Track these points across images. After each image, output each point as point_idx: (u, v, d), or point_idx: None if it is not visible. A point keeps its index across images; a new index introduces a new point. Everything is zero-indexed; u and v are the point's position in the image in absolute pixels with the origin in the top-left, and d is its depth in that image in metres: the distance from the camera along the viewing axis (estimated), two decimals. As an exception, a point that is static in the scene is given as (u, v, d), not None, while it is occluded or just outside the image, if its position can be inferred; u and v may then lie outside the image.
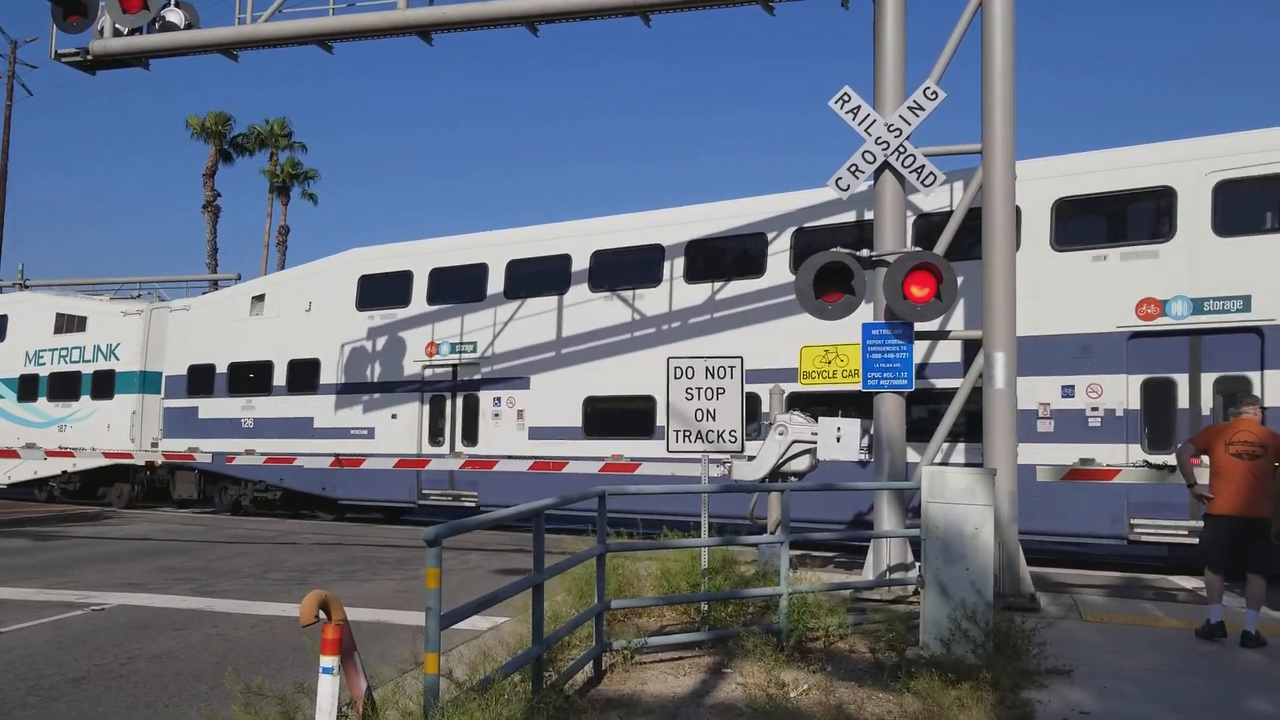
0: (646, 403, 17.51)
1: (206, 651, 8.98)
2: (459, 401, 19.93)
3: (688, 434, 9.93)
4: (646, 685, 7.47)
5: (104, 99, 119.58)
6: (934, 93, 11.08)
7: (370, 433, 20.79)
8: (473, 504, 19.42)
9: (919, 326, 11.24)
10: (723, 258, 17.76)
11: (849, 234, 15.83)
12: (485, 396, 19.52)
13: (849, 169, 11.24)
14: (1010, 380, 10.97)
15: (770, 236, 17.01)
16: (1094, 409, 14.32)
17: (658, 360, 15.75)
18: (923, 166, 11.02)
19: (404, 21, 14.28)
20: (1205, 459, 9.44)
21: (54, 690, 7.61)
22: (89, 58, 15.53)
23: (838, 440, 11.46)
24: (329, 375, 21.44)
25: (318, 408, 21.44)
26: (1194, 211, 13.97)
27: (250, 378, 22.62)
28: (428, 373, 20.25)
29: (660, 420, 17.03)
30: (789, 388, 15.50)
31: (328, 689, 4.71)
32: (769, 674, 7.46)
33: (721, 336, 16.88)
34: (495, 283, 19.59)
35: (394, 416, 20.48)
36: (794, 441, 11.82)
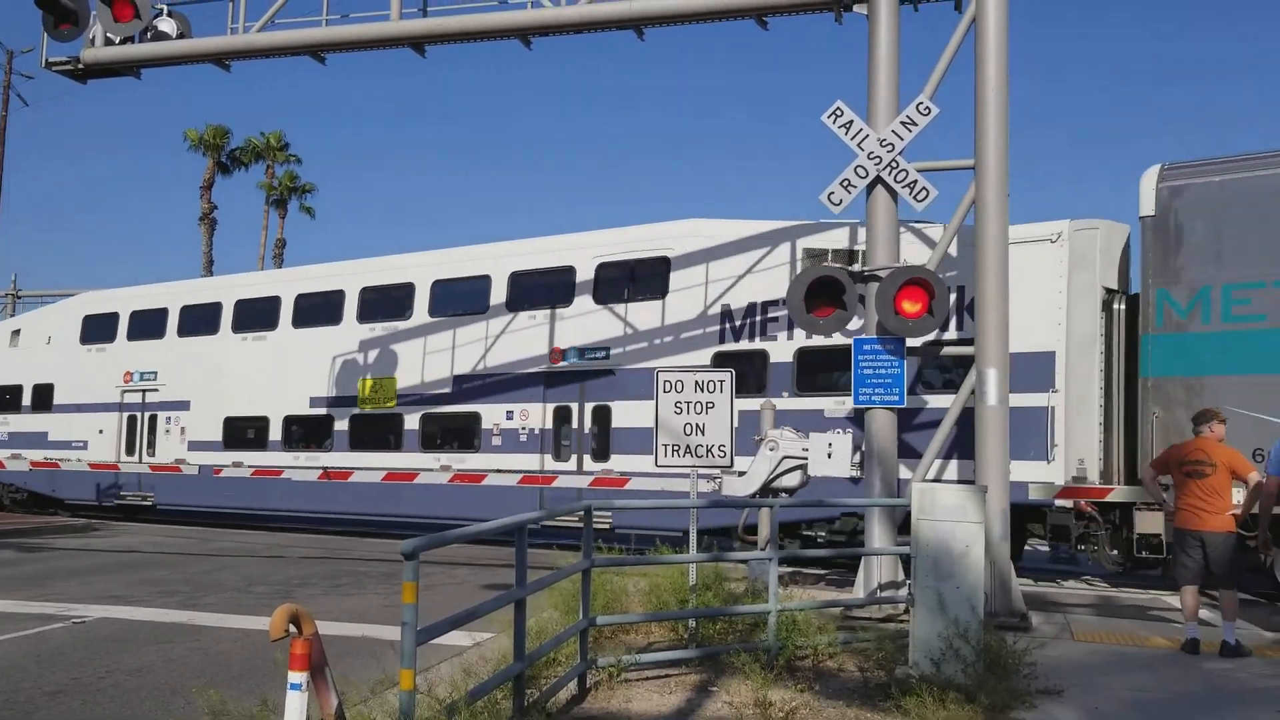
0: (264, 421, 22.19)
1: (186, 665, 8.85)
2: (145, 419, 24.26)
3: (676, 448, 9.83)
4: (631, 703, 7.35)
5: (99, 109, 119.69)
6: (927, 108, 11.04)
7: (85, 444, 24.95)
8: (150, 503, 24.03)
9: (910, 341, 11.17)
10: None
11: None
12: (161, 415, 23.99)
13: (841, 184, 11.19)
14: (1003, 397, 10.89)
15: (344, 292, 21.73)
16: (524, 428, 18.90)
17: (271, 388, 21.86)
18: (915, 182, 10.97)
19: (396, 33, 14.24)
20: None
21: (30, 703, 7.49)
22: (80, 66, 15.46)
23: (829, 456, 11.37)
24: (60, 397, 25.58)
25: (51, 424, 25.65)
26: (583, 285, 18.54)
27: (7, 399, 26.67)
28: (125, 396, 24.56)
29: (274, 434, 21.97)
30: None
31: (295, 705, 4.60)
32: (756, 693, 7.35)
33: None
34: (172, 324, 24.12)
35: (101, 431, 24.69)
36: (785, 457, 11.72)
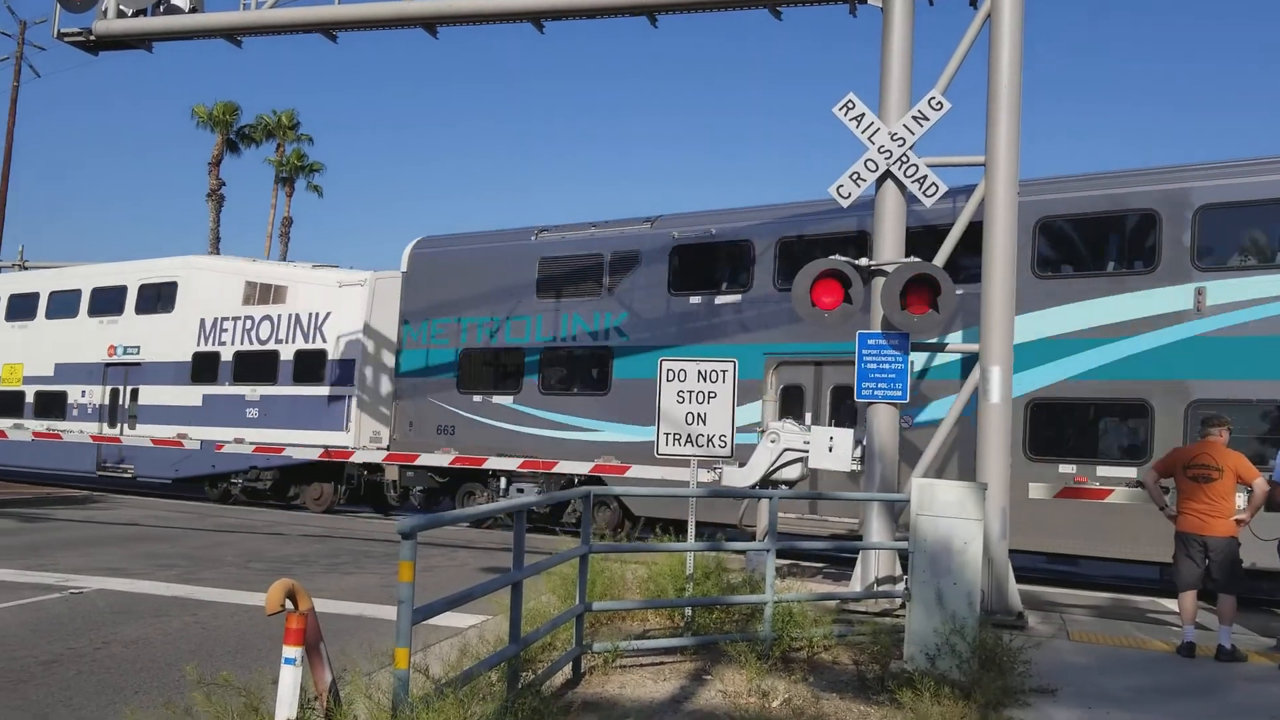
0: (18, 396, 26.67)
1: (183, 639, 8.87)
2: None
3: (678, 438, 9.82)
4: (625, 689, 7.36)
5: (111, 83, 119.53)
6: (939, 103, 10.99)
7: None
8: None
9: (915, 338, 11.14)
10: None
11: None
12: None
13: (851, 177, 11.15)
14: (1006, 395, 10.87)
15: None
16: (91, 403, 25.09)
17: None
18: (925, 177, 10.93)
19: (409, 13, 14.20)
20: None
21: (24, 672, 7.51)
22: (92, 38, 15.45)
23: (829, 449, 11.35)
24: None
25: None
26: (130, 300, 24.88)
27: None
28: None
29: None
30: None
31: (289, 680, 4.60)
32: (750, 682, 7.36)
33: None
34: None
35: None
36: (785, 449, 11.70)
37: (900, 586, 10.60)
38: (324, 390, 21.58)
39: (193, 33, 15.33)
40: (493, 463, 18.84)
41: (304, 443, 21.60)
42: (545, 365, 19.07)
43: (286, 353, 22.27)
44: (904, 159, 10.99)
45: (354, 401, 21.20)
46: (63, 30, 15.67)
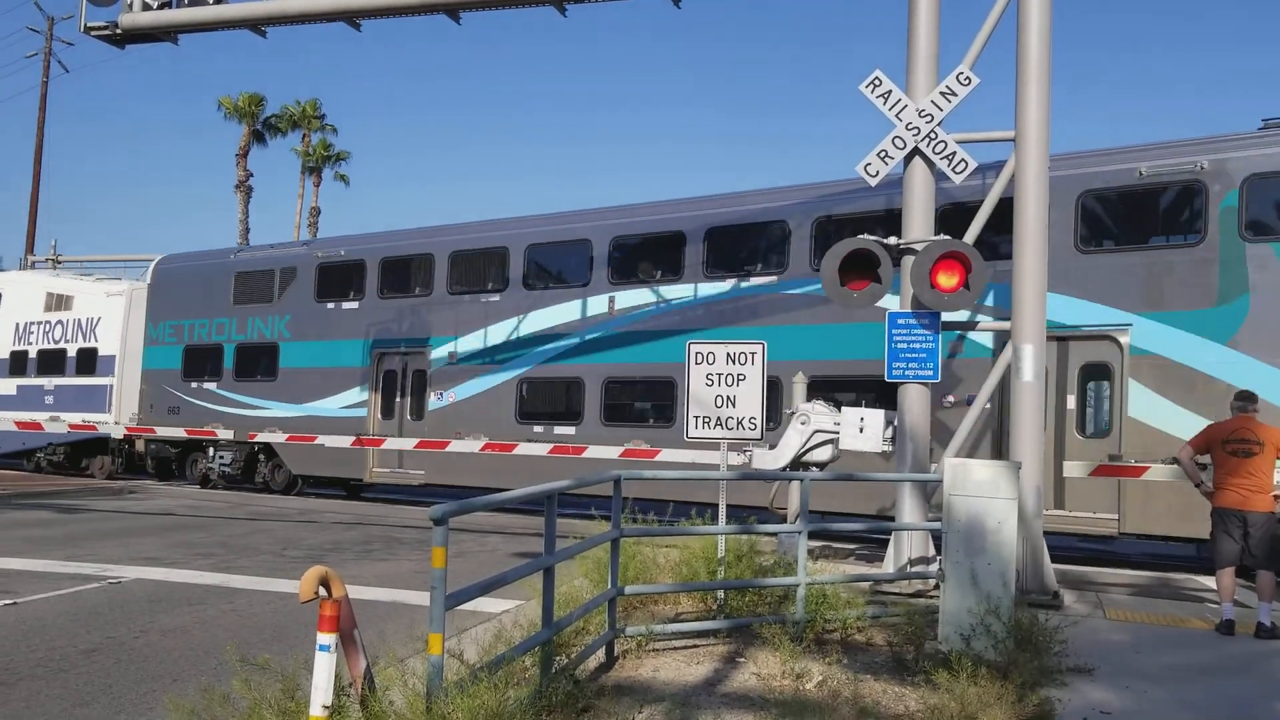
0: None
1: (220, 627, 8.95)
2: None
3: (707, 420, 9.79)
4: (659, 673, 7.36)
5: (139, 76, 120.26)
6: (967, 78, 10.85)
7: None
8: None
9: (946, 316, 11.05)
10: None
11: None
12: None
13: (879, 155, 11.05)
14: (1039, 373, 10.76)
15: None
16: None
17: None
18: (954, 153, 10.81)
19: (432, -1, 14.18)
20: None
21: (65, 661, 7.60)
22: (118, 31, 15.54)
23: (860, 430, 11.28)
24: None
25: None
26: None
27: None
28: None
29: None
30: None
31: (324, 666, 4.62)
32: (784, 665, 7.33)
33: None
34: None
35: None
36: (816, 431, 11.64)
37: (934, 567, 10.54)
38: (96, 380, 26.51)
39: (217, 23, 15.38)
40: (216, 433, 24.15)
41: (81, 423, 26.76)
42: (237, 358, 24.02)
43: (71, 350, 27.18)
44: (932, 135, 10.87)
45: (114, 389, 26.14)
46: (89, 24, 15.77)
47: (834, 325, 16.02)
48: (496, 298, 20.02)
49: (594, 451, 18.39)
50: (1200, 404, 13.26)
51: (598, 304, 18.84)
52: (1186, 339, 13.66)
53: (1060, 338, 14.18)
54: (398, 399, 21.30)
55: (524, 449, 19.32)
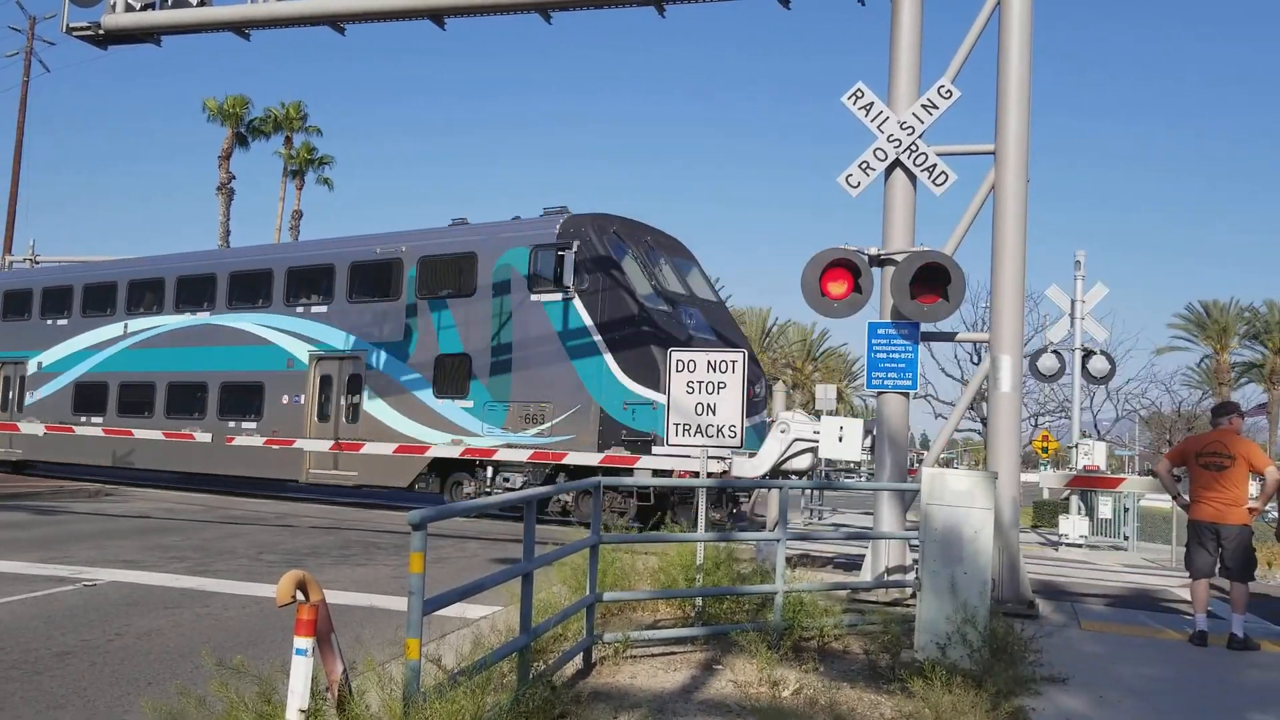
0: None
1: (195, 630, 8.90)
2: None
3: (687, 428, 9.81)
4: (636, 679, 7.37)
5: (121, 78, 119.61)
6: (948, 91, 10.95)
7: None
8: None
9: (925, 327, 11.12)
10: None
11: None
12: None
13: (860, 167, 11.12)
14: (1016, 384, 10.85)
15: None
16: None
17: None
18: (934, 165, 10.90)
19: (416, 5, 14.18)
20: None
21: (39, 664, 7.54)
22: (101, 32, 15.46)
23: (840, 439, 11.34)
24: None
25: None
26: None
27: None
28: None
29: None
30: None
31: (300, 670, 4.61)
32: (761, 672, 7.36)
33: None
34: None
35: None
36: (795, 439, 11.70)
37: (911, 576, 10.59)
38: None
39: (200, 26, 15.34)
40: None
41: None
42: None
43: None
44: (913, 148, 10.95)
45: None
46: (72, 25, 15.69)
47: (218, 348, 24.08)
48: (65, 321, 27.22)
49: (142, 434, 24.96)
50: (402, 405, 20.82)
51: (119, 328, 26.05)
52: (392, 360, 21.17)
53: (337, 357, 22.05)
54: (12, 395, 28.29)
55: (80, 430, 26.21)
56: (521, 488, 18.70)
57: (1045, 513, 27.66)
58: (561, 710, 6.27)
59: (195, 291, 24.93)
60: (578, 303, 18.75)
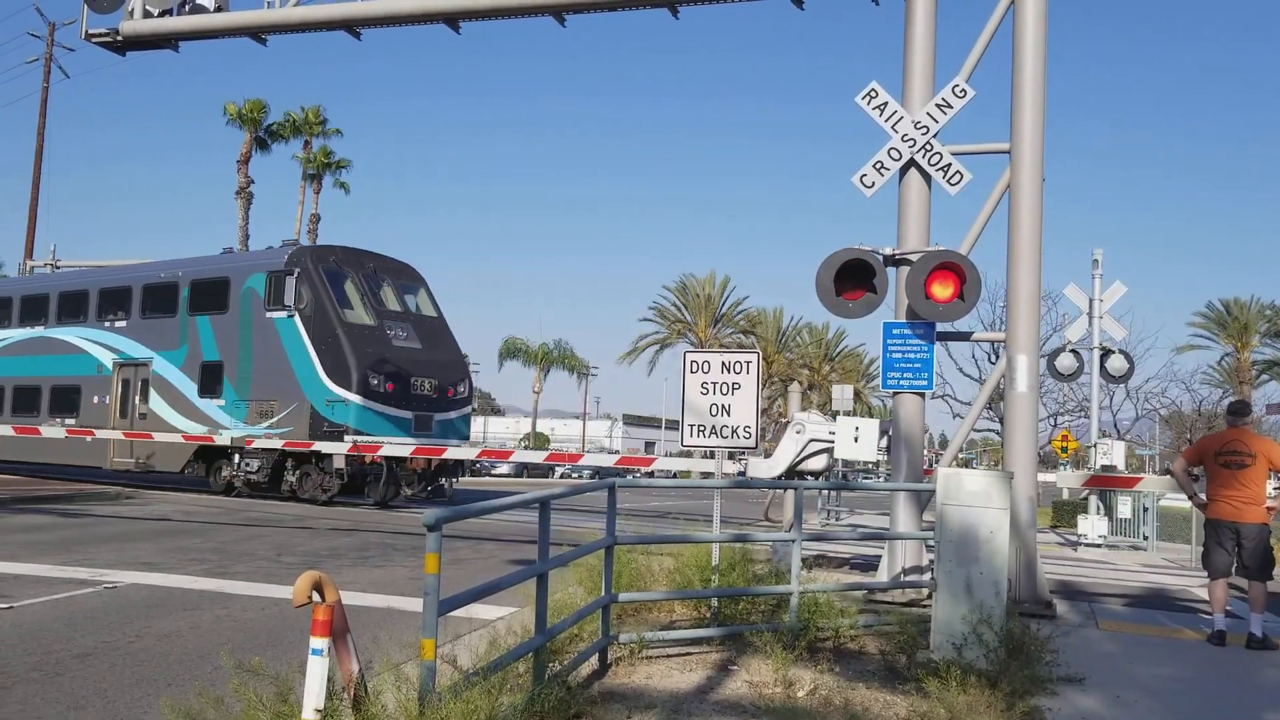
0: None
1: (215, 632, 8.97)
2: None
3: (702, 429, 9.83)
4: (652, 680, 7.38)
5: (141, 82, 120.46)
6: (963, 90, 10.93)
7: None
8: None
9: (941, 327, 11.10)
10: None
11: None
12: None
13: (874, 166, 11.11)
14: (1033, 384, 10.82)
15: None
16: None
17: None
18: (949, 165, 10.88)
19: (432, 8, 14.25)
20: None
21: (60, 665, 7.62)
22: (119, 38, 15.62)
23: (855, 440, 11.33)
24: None
25: None
26: None
27: None
28: None
29: None
30: None
31: (317, 670, 4.65)
32: (777, 672, 7.37)
33: None
34: None
35: None
36: (811, 440, 11.70)
37: (927, 576, 10.57)
38: None
39: (217, 31, 15.46)
40: None
41: None
42: None
43: None
44: (928, 147, 10.94)
45: None
46: (90, 31, 15.84)
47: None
48: None
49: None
50: (177, 403, 24.91)
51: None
52: (170, 367, 25.13)
53: (134, 364, 25.97)
54: None
55: None
56: (257, 471, 23.42)
57: (1064, 512, 27.59)
58: (577, 710, 6.29)
59: (35, 308, 29.06)
60: (297, 319, 22.77)
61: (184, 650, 8.24)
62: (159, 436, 23.63)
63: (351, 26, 14.93)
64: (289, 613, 9.74)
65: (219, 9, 15.41)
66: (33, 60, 42.99)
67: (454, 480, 24.50)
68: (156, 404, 25.39)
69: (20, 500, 20.81)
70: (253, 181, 50.84)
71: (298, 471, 22.92)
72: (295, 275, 22.81)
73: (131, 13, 15.50)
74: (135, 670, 7.57)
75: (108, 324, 26.94)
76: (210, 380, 24.36)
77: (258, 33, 15.42)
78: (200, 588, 11.11)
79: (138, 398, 25.96)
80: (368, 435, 21.31)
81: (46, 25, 42.63)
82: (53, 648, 8.14)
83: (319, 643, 4.69)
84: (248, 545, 15.00)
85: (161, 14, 15.39)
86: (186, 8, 15.33)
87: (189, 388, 24.75)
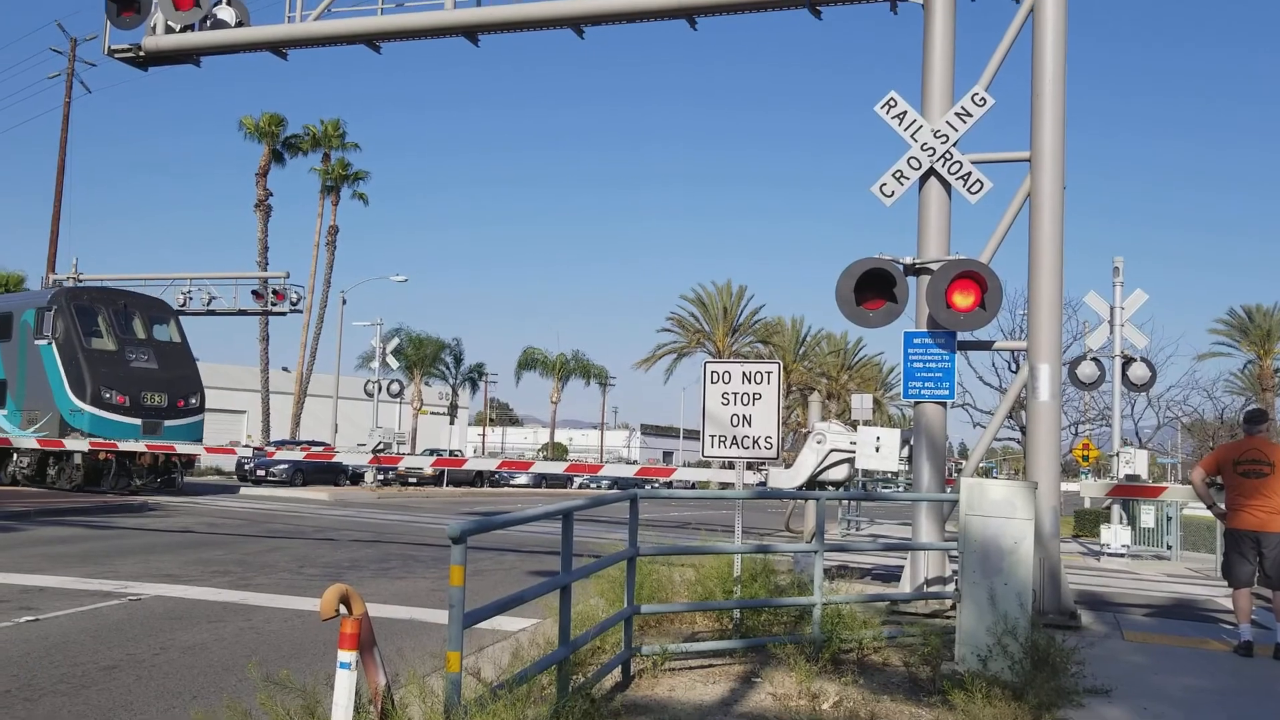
0: None
1: (238, 644, 9.01)
2: None
3: (723, 440, 9.82)
4: (675, 692, 7.37)
5: (161, 96, 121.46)
6: (982, 99, 10.90)
7: None
8: None
9: (962, 336, 11.06)
10: None
11: None
12: None
13: (894, 175, 11.09)
14: (1055, 392, 10.77)
15: None
16: None
17: None
18: (970, 173, 10.85)
19: (450, 22, 14.33)
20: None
21: (86, 677, 7.66)
22: (141, 54, 15.75)
23: (877, 450, 11.28)
24: None
25: None
26: None
27: None
28: None
29: None
30: None
31: (344, 684, 4.67)
32: (800, 684, 7.34)
33: None
34: None
35: None
36: (832, 450, 11.64)
37: (950, 587, 10.52)
38: None
39: (239, 46, 15.58)
40: None
41: None
42: None
43: None
44: (948, 156, 10.92)
45: None
46: (113, 47, 15.98)
47: None
48: None
49: None
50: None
51: None
52: None
53: None
54: None
55: None
56: (28, 466, 28.40)
57: (1086, 522, 27.42)
58: (601, 723, 6.29)
59: None
60: (53, 346, 27.97)
61: (208, 662, 8.28)
62: None
63: (371, 40, 15.02)
64: (312, 624, 9.78)
65: (240, 24, 15.52)
66: (55, 75, 43.44)
67: (183, 474, 30.38)
68: None
69: (44, 513, 20.95)
70: (271, 194, 51.23)
71: (56, 466, 28.07)
72: (53, 311, 28.18)
73: (154, 29, 15.64)
74: (161, 683, 7.61)
75: None
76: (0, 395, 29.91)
77: (278, 47, 15.53)
78: (223, 599, 11.16)
79: None
80: (100, 437, 25.72)
81: (68, 41, 43.11)
82: (79, 660, 8.19)
83: (347, 656, 4.71)
84: (269, 557, 15.06)
85: (183, 29, 15.52)
86: (208, 23, 15.44)
87: None
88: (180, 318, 32.35)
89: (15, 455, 28.72)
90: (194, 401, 30.33)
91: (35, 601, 10.61)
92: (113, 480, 27.81)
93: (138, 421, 28.38)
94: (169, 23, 15.52)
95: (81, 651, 8.48)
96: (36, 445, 26.49)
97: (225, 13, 15.36)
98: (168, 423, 29.14)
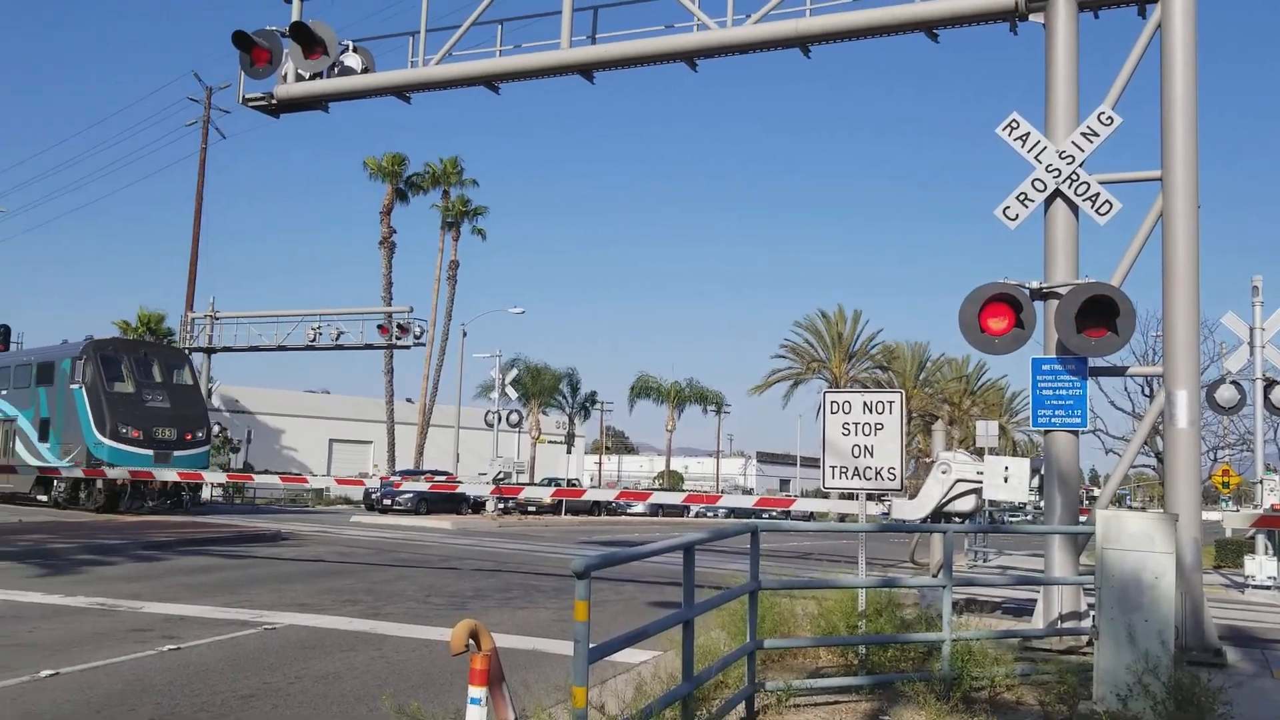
0: None
1: (369, 674, 9.20)
2: None
3: (844, 471, 9.68)
4: (800, 728, 7.26)
5: (288, 143, 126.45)
6: (1109, 117, 10.60)
7: None
8: None
9: (1093, 361, 10.72)
10: None
11: None
12: None
13: (1018, 198, 10.85)
14: (1194, 419, 10.34)
15: None
16: None
17: None
18: (1098, 194, 10.55)
19: (567, 61, 14.57)
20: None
21: (225, 706, 7.91)
22: (274, 101, 16.41)
23: (1005, 479, 10.98)
24: None
25: None
26: None
27: None
28: None
29: None
30: None
31: (475, 718, 4.73)
32: (930, 723, 7.16)
33: None
34: None
35: None
36: (958, 480, 11.38)
37: (1086, 623, 10.15)
38: None
39: (365, 92, 16.11)
40: None
41: None
42: None
43: None
44: (1074, 176, 10.63)
45: None
46: (247, 96, 16.69)
47: None
48: None
49: None
50: (28, 446, 34.14)
51: None
52: (27, 421, 34.51)
53: (7, 419, 35.12)
54: None
55: None
56: (65, 491, 32.51)
57: (1228, 552, 26.18)
58: (726, 760, 6.23)
59: None
60: (83, 390, 32.04)
61: (341, 692, 8.47)
62: (21, 471, 33.29)
63: (491, 82, 15.37)
64: (440, 654, 9.94)
65: (365, 69, 16.08)
66: (192, 124, 45.61)
67: (189, 497, 34.34)
68: (18, 446, 34.88)
69: (184, 543, 21.79)
70: (394, 231, 52.63)
71: (86, 490, 31.91)
72: (83, 360, 32.40)
73: (285, 77, 16.30)
74: (295, 711, 7.81)
75: (4, 392, 35.84)
76: (45, 430, 33.79)
77: (402, 91, 16.01)
78: (354, 629, 11.42)
79: (11, 441, 35.22)
80: (118, 466, 29.07)
81: (204, 90, 45.24)
82: (218, 689, 8.47)
83: (477, 691, 4.77)
84: (397, 586, 15.37)
85: (313, 77, 16.14)
86: (335, 70, 16.03)
87: (35, 435, 34.17)
88: (192, 362, 37.81)
89: (55, 481, 33.01)
90: (200, 435, 34.30)
91: (177, 630, 11.02)
92: (128, 501, 31.91)
93: (149, 452, 32.04)
94: (299, 71, 16.14)
95: (220, 680, 8.77)
96: (82, 474, 30.05)
97: (352, 59, 15.93)
98: (176, 453, 32.90)
